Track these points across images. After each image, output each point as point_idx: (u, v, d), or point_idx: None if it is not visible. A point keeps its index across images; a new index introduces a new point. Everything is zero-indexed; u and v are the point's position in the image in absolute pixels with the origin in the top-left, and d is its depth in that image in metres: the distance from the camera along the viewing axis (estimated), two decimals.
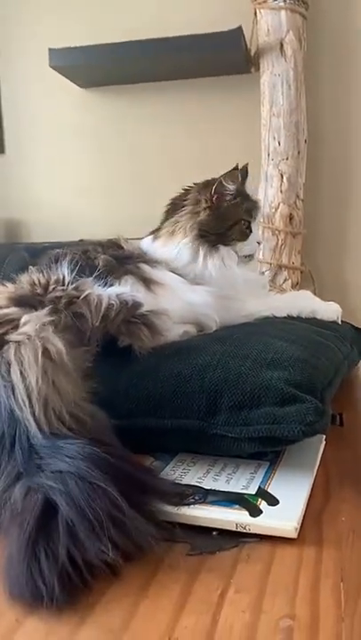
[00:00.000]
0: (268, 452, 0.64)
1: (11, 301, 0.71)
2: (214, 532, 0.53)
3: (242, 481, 0.60)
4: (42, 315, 0.67)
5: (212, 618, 0.42)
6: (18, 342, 0.62)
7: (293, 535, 0.51)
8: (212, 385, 0.64)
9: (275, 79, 1.34)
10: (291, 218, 1.37)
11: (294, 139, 1.35)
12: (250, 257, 0.98)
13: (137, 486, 0.53)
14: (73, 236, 1.34)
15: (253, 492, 0.57)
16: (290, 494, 0.57)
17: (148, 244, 0.94)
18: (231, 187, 0.92)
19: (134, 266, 0.84)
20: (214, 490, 0.58)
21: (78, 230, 1.41)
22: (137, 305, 0.74)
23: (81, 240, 1.29)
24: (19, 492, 0.52)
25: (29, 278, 0.76)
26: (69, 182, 1.66)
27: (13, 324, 0.66)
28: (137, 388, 0.67)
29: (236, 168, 0.94)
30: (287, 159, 1.35)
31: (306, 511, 0.55)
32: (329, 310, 0.98)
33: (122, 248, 0.90)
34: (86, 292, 0.72)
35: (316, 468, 0.64)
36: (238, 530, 0.52)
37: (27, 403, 0.57)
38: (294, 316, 0.95)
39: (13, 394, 0.58)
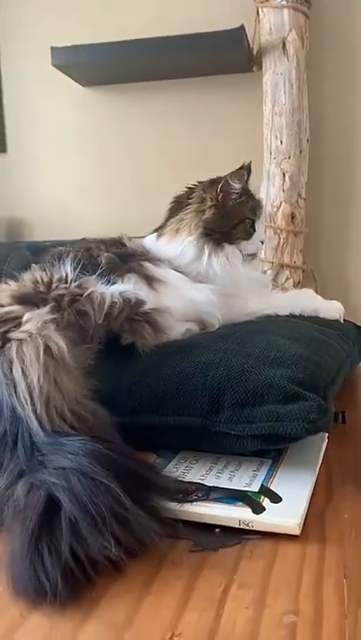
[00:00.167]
0: (270, 449, 0.64)
1: (13, 299, 0.71)
2: (217, 529, 0.53)
3: (245, 478, 0.60)
4: (44, 312, 0.67)
5: (215, 613, 0.42)
6: (20, 340, 0.62)
7: (296, 532, 0.52)
8: (215, 382, 0.64)
9: (277, 78, 1.34)
10: (293, 217, 1.37)
11: (296, 137, 1.35)
12: (253, 255, 0.98)
13: (139, 483, 0.53)
14: (75, 235, 1.34)
15: (256, 490, 0.57)
16: (293, 492, 0.57)
17: (151, 242, 0.94)
18: (237, 185, 0.92)
19: (137, 264, 0.84)
20: (217, 487, 0.58)
21: (80, 229, 1.41)
22: (140, 303, 0.74)
23: (83, 238, 1.29)
24: (21, 488, 0.52)
25: (32, 276, 0.76)
26: (71, 181, 1.66)
27: (16, 321, 0.66)
28: (140, 386, 0.67)
29: (242, 167, 0.94)
30: (289, 158, 1.35)
31: (308, 509, 0.55)
32: (331, 309, 0.98)
33: (125, 246, 0.90)
34: (89, 290, 0.72)
35: (319, 465, 0.64)
36: (241, 527, 0.53)
37: (28, 400, 0.57)
38: (297, 314, 0.95)
39: (15, 392, 0.58)
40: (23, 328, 0.64)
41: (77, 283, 0.74)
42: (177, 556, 0.49)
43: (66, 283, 0.74)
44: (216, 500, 0.56)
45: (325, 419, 0.59)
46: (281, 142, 1.35)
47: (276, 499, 0.55)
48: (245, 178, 0.94)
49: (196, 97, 1.53)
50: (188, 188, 0.97)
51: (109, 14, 1.55)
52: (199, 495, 0.56)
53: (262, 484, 0.58)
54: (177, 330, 0.79)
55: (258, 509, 0.54)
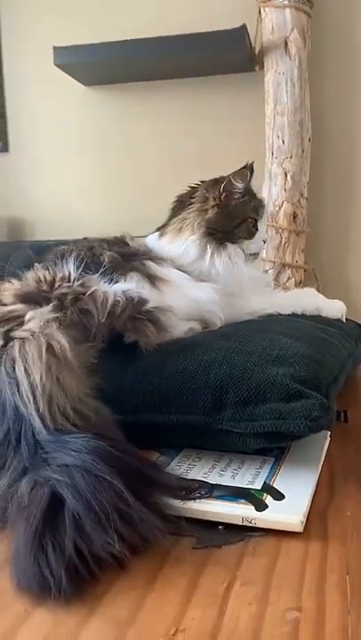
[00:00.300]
0: (273, 447, 0.64)
1: (17, 298, 0.72)
2: (220, 527, 0.53)
3: (247, 476, 0.60)
4: (46, 311, 0.68)
5: (218, 610, 0.42)
6: (22, 339, 0.62)
7: (299, 529, 0.52)
8: (218, 381, 0.64)
9: (279, 77, 1.34)
10: (295, 216, 1.37)
11: (298, 137, 1.35)
12: (256, 255, 0.98)
13: (142, 480, 0.53)
14: (76, 234, 1.34)
15: (259, 487, 0.57)
16: (295, 489, 0.57)
17: (154, 241, 0.94)
18: (240, 185, 0.92)
19: (140, 263, 0.84)
20: (220, 485, 0.58)
21: (81, 228, 1.41)
22: (143, 301, 0.74)
23: (85, 238, 1.29)
24: (25, 485, 0.52)
25: (35, 275, 0.76)
26: (72, 180, 1.66)
27: (18, 320, 0.66)
28: (142, 384, 0.67)
29: (245, 167, 0.94)
30: (291, 157, 1.35)
31: (311, 507, 0.55)
32: (333, 308, 0.98)
33: (127, 245, 0.90)
34: (92, 289, 0.72)
35: (321, 464, 0.64)
36: (244, 524, 0.53)
37: (31, 399, 0.58)
38: (299, 313, 0.95)
39: (18, 390, 0.59)
40: (26, 327, 0.65)
41: (80, 281, 0.74)
42: (180, 553, 0.50)
43: (69, 281, 0.74)
44: (219, 497, 0.56)
45: (328, 417, 0.60)
46: (283, 142, 1.35)
47: (278, 496, 0.56)
48: (248, 177, 0.94)
49: (198, 97, 1.53)
50: (191, 187, 0.97)
51: (111, 14, 1.55)
52: (202, 493, 0.57)
53: (265, 482, 0.58)
54: (179, 328, 0.80)
55: (261, 507, 0.54)
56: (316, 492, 0.58)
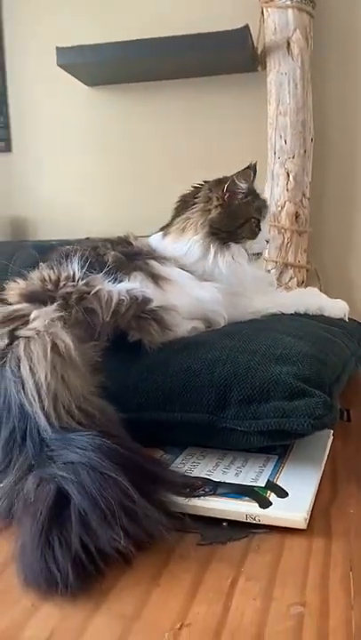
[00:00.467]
0: (276, 446, 0.65)
1: (22, 297, 0.72)
2: (224, 523, 0.54)
3: (251, 474, 0.60)
4: (51, 310, 0.68)
5: (223, 605, 0.43)
6: (27, 338, 0.63)
7: (303, 526, 0.52)
8: (222, 379, 0.65)
9: (281, 78, 1.35)
10: (297, 216, 1.37)
11: (301, 137, 1.35)
12: (259, 255, 0.99)
13: (147, 477, 0.54)
14: (79, 234, 1.34)
15: (263, 485, 0.58)
16: (299, 487, 0.57)
17: (157, 241, 0.95)
18: (243, 185, 0.93)
19: (143, 262, 0.84)
20: (224, 482, 0.59)
21: (84, 228, 1.41)
22: (147, 300, 0.74)
23: (87, 238, 1.30)
24: (31, 482, 0.53)
25: (40, 274, 0.77)
26: (75, 180, 1.66)
27: (23, 319, 0.67)
28: (147, 382, 0.68)
29: (248, 167, 0.95)
30: (293, 158, 1.36)
31: (314, 504, 0.56)
32: (336, 307, 0.98)
33: (131, 245, 0.91)
34: (97, 288, 0.73)
35: (324, 462, 0.65)
36: (248, 521, 0.53)
37: (36, 397, 0.58)
38: (301, 312, 0.95)
39: (23, 389, 0.59)
40: (31, 326, 0.65)
41: (85, 281, 0.74)
42: (185, 550, 0.50)
43: (73, 281, 0.75)
44: (223, 494, 0.56)
45: (331, 415, 0.60)
46: (285, 142, 1.36)
47: (282, 494, 0.56)
48: (251, 178, 0.95)
49: (200, 97, 1.54)
50: (195, 187, 0.98)
51: (114, 14, 1.55)
52: (206, 490, 0.57)
53: (269, 480, 0.59)
54: (183, 327, 0.80)
55: (265, 504, 0.54)
56: (319, 489, 0.59)
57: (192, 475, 0.61)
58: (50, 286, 0.74)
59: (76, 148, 1.65)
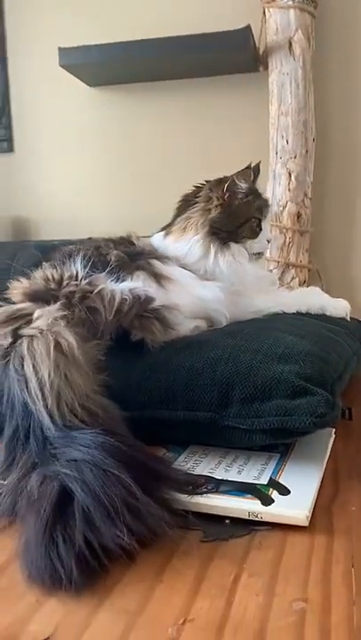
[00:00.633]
0: (278, 444, 0.65)
1: (25, 296, 0.73)
2: (227, 521, 0.54)
3: (253, 472, 0.61)
4: (54, 309, 0.68)
5: (226, 601, 0.43)
6: (31, 336, 0.63)
7: (305, 523, 0.52)
8: (224, 378, 0.65)
9: (283, 78, 1.35)
10: (298, 216, 1.38)
11: (302, 137, 1.36)
12: (260, 254, 0.99)
13: (150, 474, 0.54)
14: (81, 234, 1.35)
15: (265, 483, 0.58)
16: (301, 485, 0.58)
17: (159, 241, 0.95)
18: (243, 185, 0.93)
19: (145, 261, 0.85)
20: (226, 480, 0.59)
21: (86, 228, 1.42)
22: (149, 299, 0.75)
23: (89, 238, 1.30)
24: (35, 480, 0.53)
25: (43, 274, 0.77)
26: (77, 180, 1.67)
27: (27, 318, 0.67)
28: (149, 381, 0.68)
29: (248, 167, 0.95)
30: (295, 158, 1.36)
31: (316, 502, 0.56)
32: (338, 307, 0.98)
33: (133, 244, 0.91)
34: (100, 287, 0.73)
35: (326, 460, 0.65)
36: (250, 518, 0.54)
37: (39, 396, 0.59)
38: (303, 312, 0.96)
39: (27, 387, 0.59)
40: (34, 324, 0.65)
41: (88, 280, 0.75)
42: (188, 546, 0.50)
43: (76, 280, 0.75)
44: (225, 492, 0.57)
45: (333, 413, 0.60)
46: (287, 142, 1.36)
47: (284, 491, 0.56)
48: (252, 178, 0.95)
49: (202, 97, 1.54)
50: (196, 186, 0.98)
51: (116, 15, 1.56)
52: (209, 487, 0.57)
53: (271, 478, 0.59)
54: (185, 326, 0.80)
55: (267, 501, 0.55)
56: (321, 487, 0.59)
57: (195, 472, 0.61)
58: (53, 285, 0.74)
59: (79, 148, 1.66)
